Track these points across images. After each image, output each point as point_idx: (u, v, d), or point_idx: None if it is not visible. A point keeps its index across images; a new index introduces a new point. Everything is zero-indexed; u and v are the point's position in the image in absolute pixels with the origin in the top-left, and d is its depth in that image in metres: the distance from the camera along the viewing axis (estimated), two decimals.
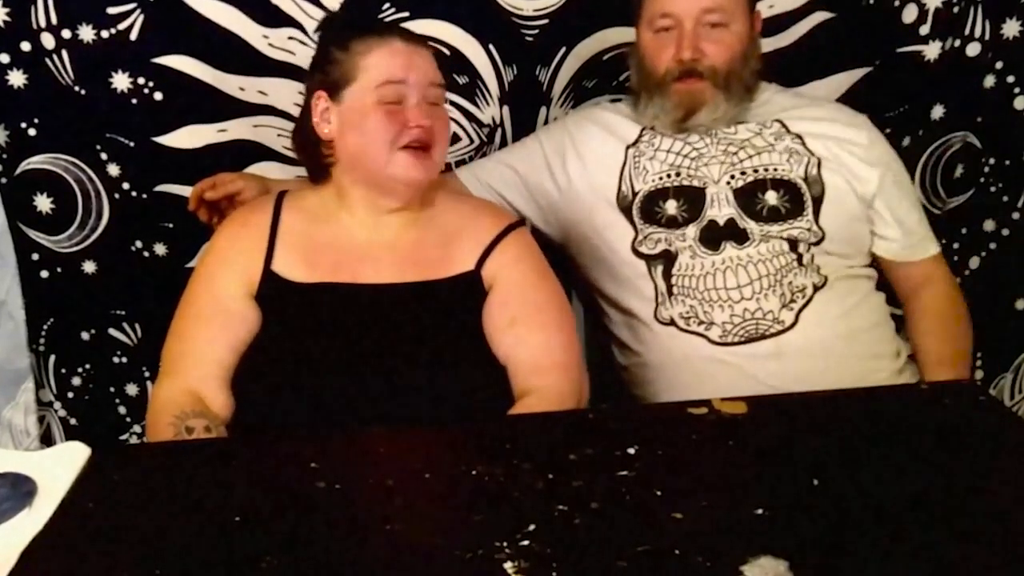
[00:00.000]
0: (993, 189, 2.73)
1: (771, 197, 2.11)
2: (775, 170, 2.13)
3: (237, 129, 2.44)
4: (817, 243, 2.09)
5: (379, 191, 1.89)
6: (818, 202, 2.11)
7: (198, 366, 1.82)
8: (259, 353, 1.83)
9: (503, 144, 2.52)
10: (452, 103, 2.46)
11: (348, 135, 1.87)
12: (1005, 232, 2.77)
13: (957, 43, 2.53)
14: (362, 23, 1.94)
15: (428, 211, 1.95)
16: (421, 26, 2.38)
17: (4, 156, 2.44)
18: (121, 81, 2.36)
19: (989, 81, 2.60)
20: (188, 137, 2.43)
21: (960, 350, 2.20)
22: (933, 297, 2.22)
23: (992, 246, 2.77)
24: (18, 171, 2.44)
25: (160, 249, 2.52)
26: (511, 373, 1.84)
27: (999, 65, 2.58)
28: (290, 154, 2.41)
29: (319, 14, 2.34)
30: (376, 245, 1.90)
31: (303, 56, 2.31)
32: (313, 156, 1.96)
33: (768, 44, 2.38)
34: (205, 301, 1.88)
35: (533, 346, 1.86)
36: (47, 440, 2.67)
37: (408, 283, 1.86)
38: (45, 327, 2.60)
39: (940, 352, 2.16)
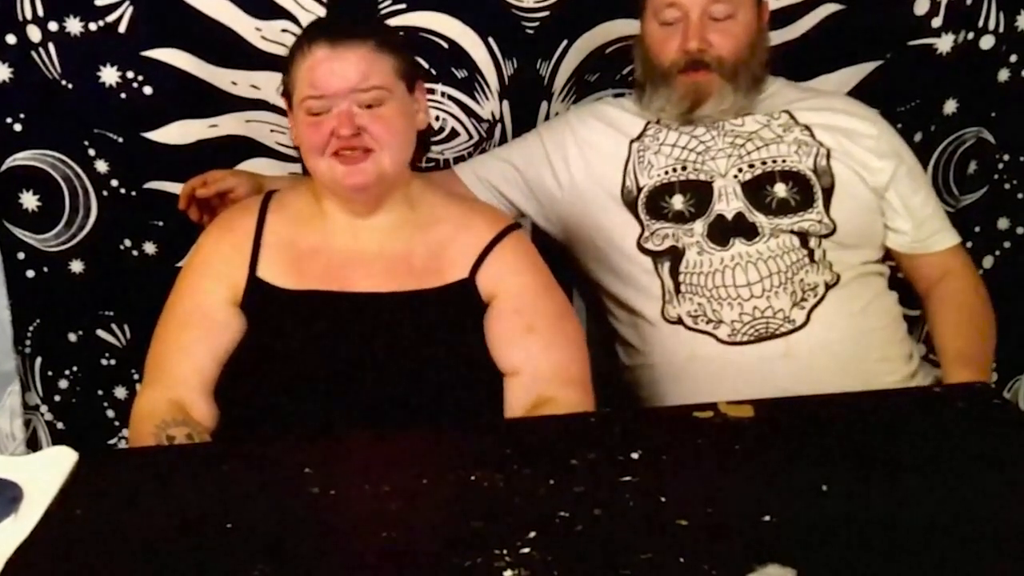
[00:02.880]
0: (1008, 186, 2.72)
1: (780, 189, 2.09)
2: (783, 162, 2.12)
3: (229, 124, 2.42)
4: (828, 235, 2.07)
5: (337, 197, 1.87)
6: (828, 193, 2.10)
7: (180, 375, 1.79)
8: (246, 362, 1.80)
9: (503, 140, 2.50)
10: (450, 97, 2.44)
11: (298, 142, 1.87)
12: (1020, 230, 2.76)
13: (970, 36, 2.51)
14: (308, 29, 1.91)
15: (415, 217, 1.92)
16: (419, 18, 2.36)
17: None
18: (110, 75, 2.33)
19: (1003, 75, 2.58)
20: (178, 133, 2.40)
21: (982, 346, 2.16)
22: (952, 290, 2.19)
23: (1007, 244, 2.76)
24: (3, 167, 2.41)
25: (150, 248, 2.49)
26: (525, 379, 1.82)
27: (1013, 58, 2.57)
28: (283, 150, 2.42)
29: (313, 6, 2.33)
30: (364, 252, 1.87)
31: None
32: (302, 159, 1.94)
33: (776, 37, 2.37)
34: (188, 309, 1.85)
35: (553, 355, 1.84)
36: (33, 445, 2.65)
37: (399, 292, 1.84)
38: (31, 328, 2.58)
39: (959, 348, 2.13)
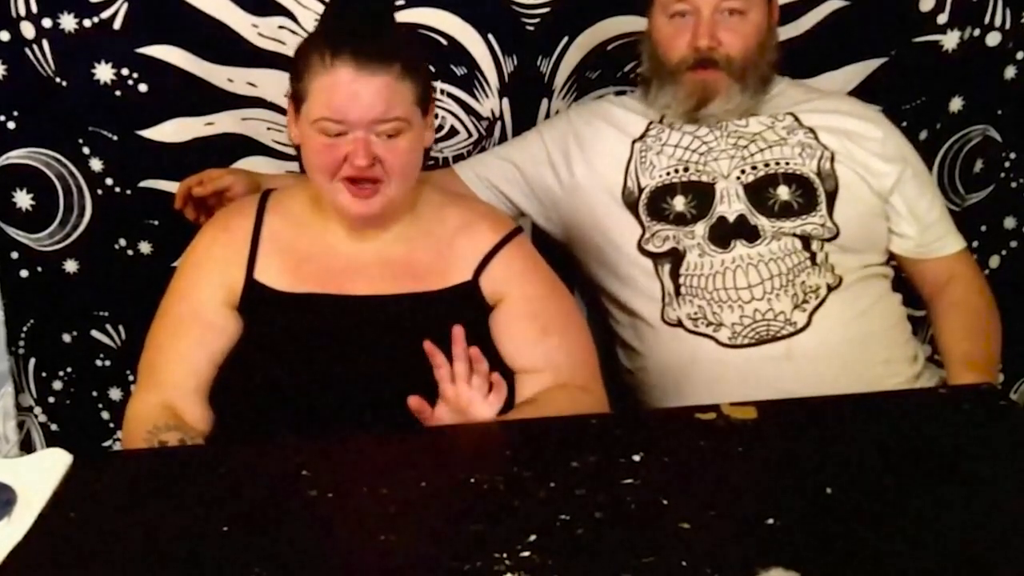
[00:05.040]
0: (1014, 185, 2.70)
1: (783, 192, 2.08)
2: (787, 164, 2.10)
3: (225, 122, 2.40)
4: (831, 239, 2.06)
5: (340, 215, 1.85)
6: (832, 197, 2.08)
7: (174, 379, 1.78)
8: (242, 366, 1.79)
9: (503, 138, 2.48)
10: (450, 95, 2.43)
11: (303, 152, 1.82)
12: None
13: (976, 32, 2.50)
14: (329, 32, 1.83)
15: (416, 220, 1.91)
16: (418, 15, 2.34)
17: None
18: (104, 72, 2.31)
19: (1010, 72, 2.57)
20: (174, 131, 2.38)
21: (988, 349, 2.15)
22: (958, 294, 2.18)
23: (1013, 244, 2.75)
24: None
25: (145, 247, 2.48)
26: (546, 376, 1.82)
27: (1020, 55, 2.55)
28: (280, 148, 2.40)
29: (311, 3, 2.30)
30: (364, 255, 1.86)
31: (294, 46, 2.22)
32: (300, 156, 1.90)
33: (780, 33, 2.33)
34: (182, 311, 1.84)
35: (571, 355, 1.87)
36: (27, 447, 2.63)
37: (401, 295, 1.82)
38: (25, 329, 2.56)
39: (965, 352, 2.12)
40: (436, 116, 2.35)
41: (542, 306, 1.87)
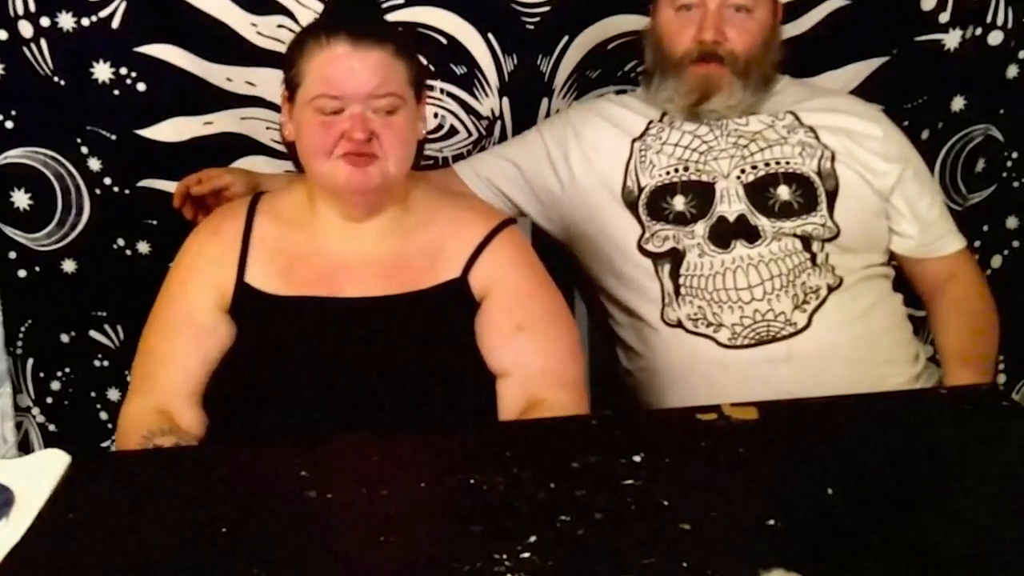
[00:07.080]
0: (1016, 184, 2.70)
1: (783, 192, 2.07)
2: (787, 164, 2.10)
3: (224, 121, 2.40)
4: (831, 239, 2.05)
5: (335, 200, 1.83)
6: (832, 197, 2.08)
7: (167, 383, 1.77)
8: (235, 369, 1.78)
9: (502, 137, 2.48)
10: (449, 94, 2.42)
11: (299, 140, 1.82)
12: None
13: (979, 31, 2.50)
14: (325, 20, 1.84)
15: (408, 218, 1.89)
16: (417, 14, 2.34)
17: None
18: (103, 71, 2.31)
19: (1012, 71, 2.57)
20: (173, 130, 2.38)
21: (984, 348, 2.15)
22: (957, 292, 2.18)
23: (1015, 244, 2.74)
24: None
25: (143, 247, 2.48)
26: (515, 381, 1.80)
27: (1022, 54, 2.55)
28: (279, 147, 2.39)
29: (310, 2, 2.30)
30: (355, 256, 1.84)
31: None
32: (294, 155, 1.90)
33: (782, 32, 2.33)
34: (174, 315, 1.83)
35: (544, 356, 1.82)
36: (25, 447, 2.63)
37: (391, 295, 1.81)
38: (23, 329, 2.56)
39: (961, 348, 2.12)
40: (436, 116, 2.37)
41: (521, 300, 1.84)
